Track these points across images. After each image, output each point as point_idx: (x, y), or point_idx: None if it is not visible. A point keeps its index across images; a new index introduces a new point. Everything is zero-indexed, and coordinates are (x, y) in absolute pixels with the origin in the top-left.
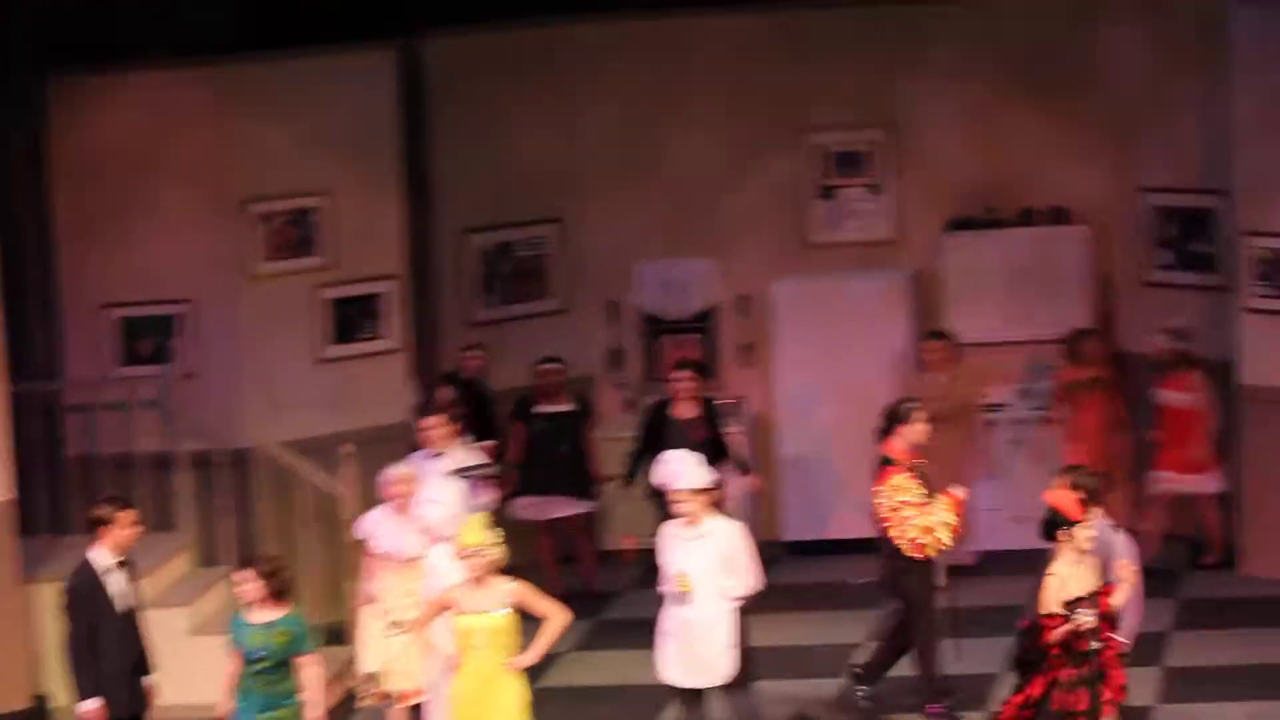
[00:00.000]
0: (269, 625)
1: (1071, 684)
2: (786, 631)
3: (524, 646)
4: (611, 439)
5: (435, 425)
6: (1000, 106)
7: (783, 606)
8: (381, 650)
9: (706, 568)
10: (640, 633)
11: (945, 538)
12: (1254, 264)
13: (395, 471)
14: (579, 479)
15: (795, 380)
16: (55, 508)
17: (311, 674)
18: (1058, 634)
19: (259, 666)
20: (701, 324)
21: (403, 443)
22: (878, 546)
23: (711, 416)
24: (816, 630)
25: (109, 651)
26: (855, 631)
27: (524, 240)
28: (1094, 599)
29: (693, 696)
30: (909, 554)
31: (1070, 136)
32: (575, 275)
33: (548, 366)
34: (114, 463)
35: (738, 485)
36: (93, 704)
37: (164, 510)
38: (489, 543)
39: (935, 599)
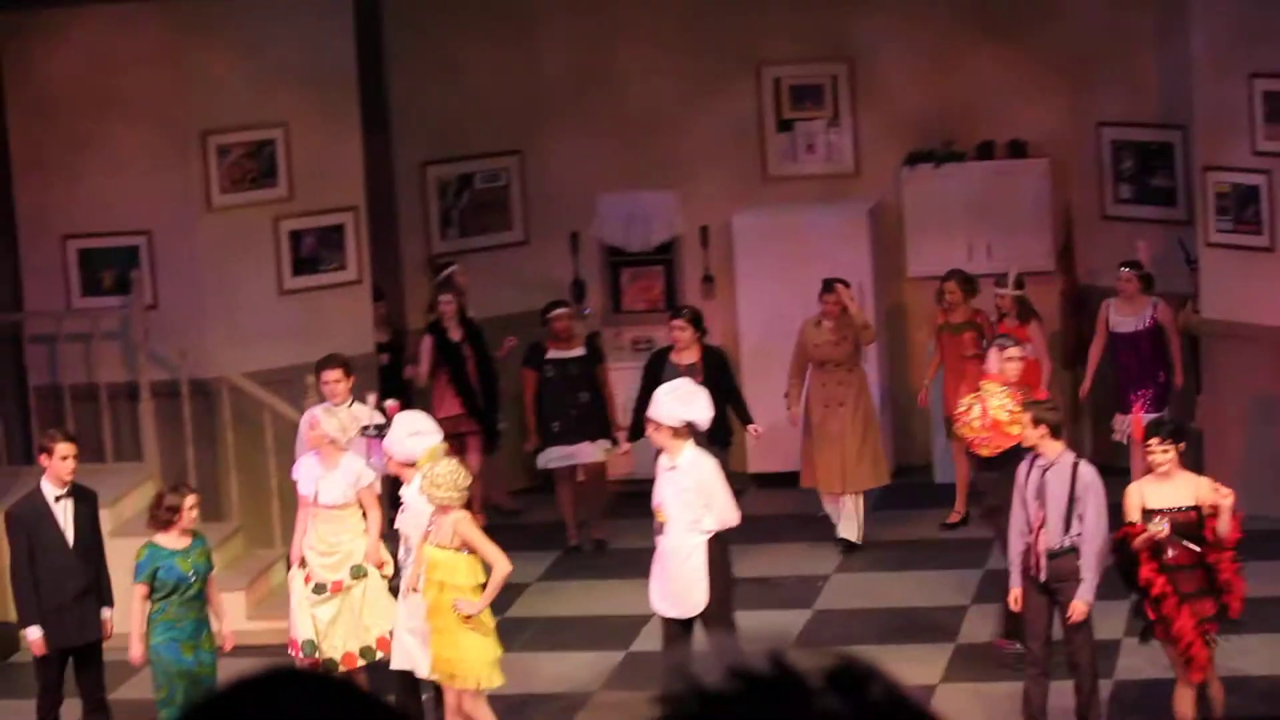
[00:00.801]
0: (188, 549)
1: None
2: (755, 563)
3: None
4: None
5: (335, 380)
6: (959, 40)
7: (751, 538)
8: (308, 620)
9: (680, 500)
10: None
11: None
12: (1213, 198)
13: (312, 412)
14: (600, 424)
15: (756, 311)
16: (21, 439)
17: (217, 590)
18: (1137, 541)
19: (191, 593)
20: (663, 256)
21: (366, 374)
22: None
23: (713, 363)
24: (785, 562)
25: (54, 580)
26: (824, 564)
27: (484, 172)
28: (1174, 513)
29: (677, 626)
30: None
31: (1029, 70)
32: (536, 208)
33: (558, 311)
34: (77, 394)
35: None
36: (33, 632)
37: (129, 441)
38: (440, 478)
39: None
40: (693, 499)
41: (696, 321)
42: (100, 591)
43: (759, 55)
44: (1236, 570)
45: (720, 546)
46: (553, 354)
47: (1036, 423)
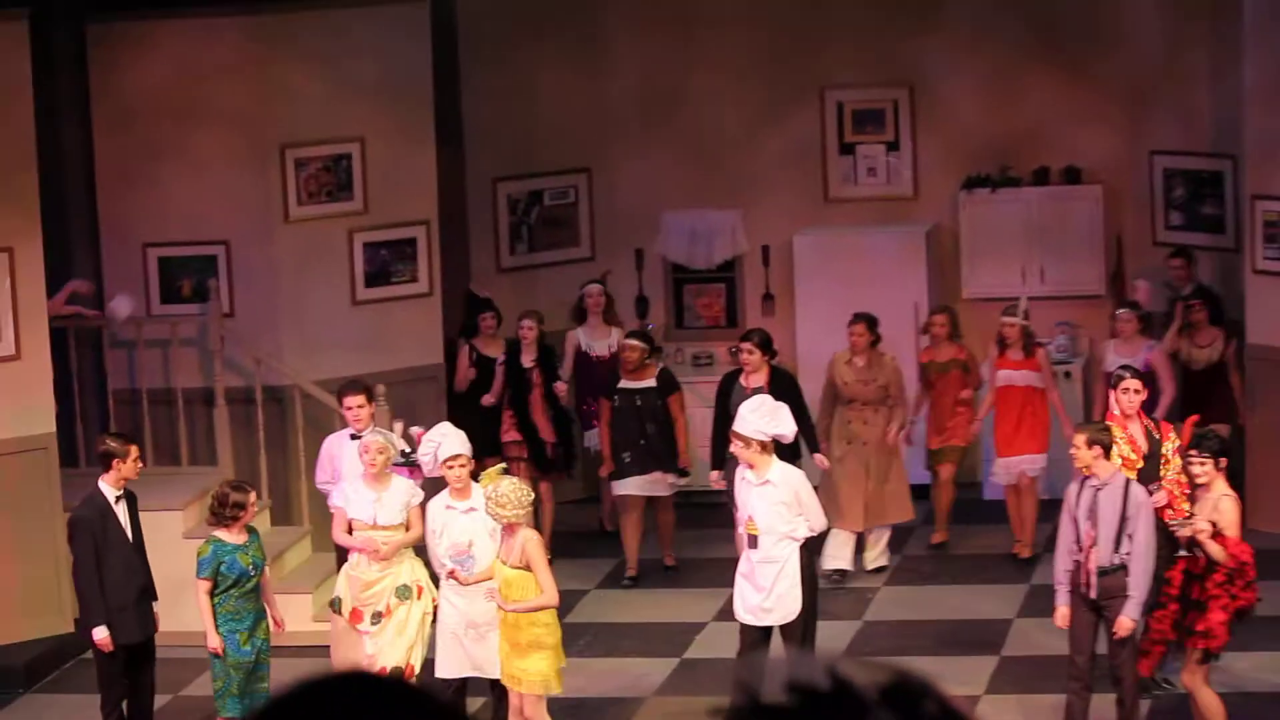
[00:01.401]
0: (247, 544)
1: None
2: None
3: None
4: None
5: (359, 405)
6: (1017, 68)
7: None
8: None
9: (774, 512)
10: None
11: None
12: (1261, 226)
13: (373, 440)
14: (667, 457)
15: (815, 329)
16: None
17: (268, 582)
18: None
19: (250, 585)
20: (725, 274)
21: (434, 383)
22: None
23: (782, 386)
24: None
25: (119, 579)
26: (873, 578)
27: (553, 189)
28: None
29: (757, 635)
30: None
31: (1085, 99)
32: (602, 224)
33: (628, 342)
34: (155, 398)
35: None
36: (100, 632)
37: (204, 445)
38: (504, 497)
39: None
40: (786, 511)
41: (765, 345)
42: (151, 589)
43: (822, 80)
44: (1221, 597)
45: (808, 555)
46: (623, 384)
47: (1091, 444)
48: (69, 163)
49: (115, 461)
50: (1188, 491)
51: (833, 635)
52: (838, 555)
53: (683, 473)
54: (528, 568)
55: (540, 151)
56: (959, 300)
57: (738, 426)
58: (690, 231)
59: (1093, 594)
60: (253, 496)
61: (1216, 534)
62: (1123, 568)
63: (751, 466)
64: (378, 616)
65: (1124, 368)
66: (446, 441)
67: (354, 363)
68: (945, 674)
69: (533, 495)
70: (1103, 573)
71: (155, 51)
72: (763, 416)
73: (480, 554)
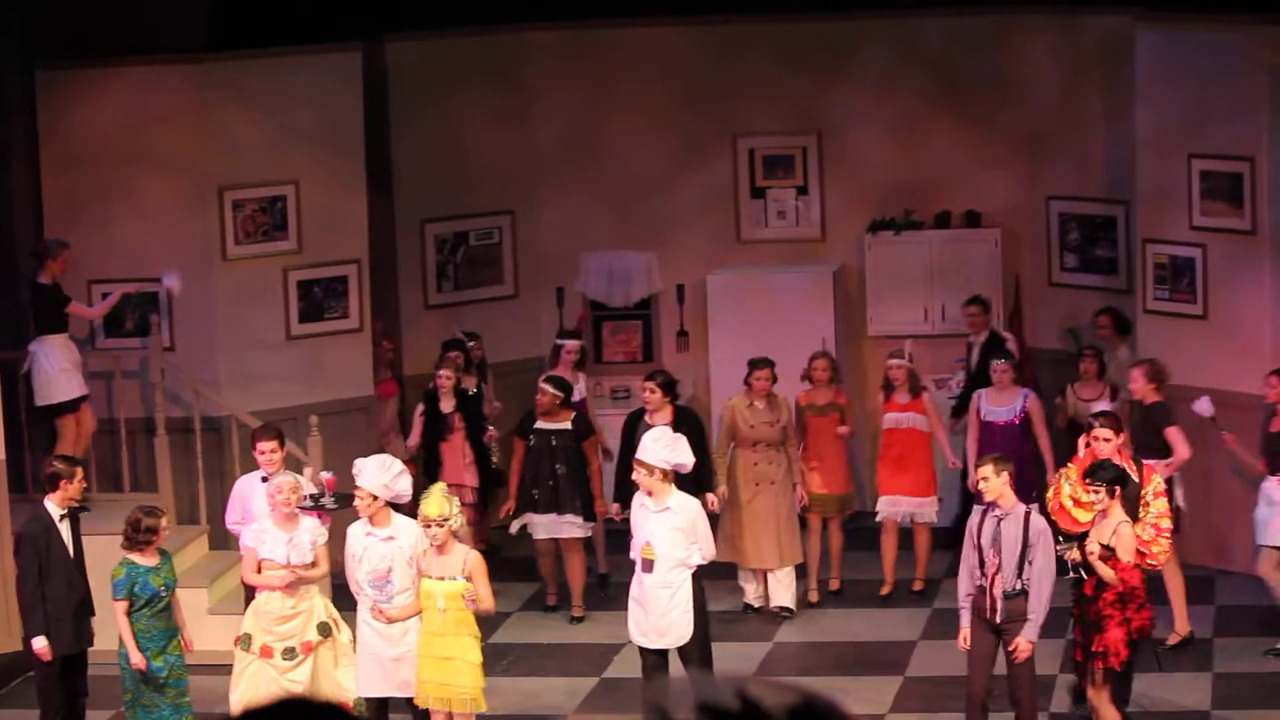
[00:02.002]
0: (159, 566)
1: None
2: (721, 599)
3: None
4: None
5: (272, 450)
6: (921, 117)
7: (718, 575)
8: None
9: (670, 538)
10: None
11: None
12: (1152, 268)
13: (285, 480)
14: (573, 500)
15: (728, 364)
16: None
17: (178, 602)
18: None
19: (161, 605)
20: (642, 311)
21: (364, 415)
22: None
23: (686, 425)
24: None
25: (58, 593)
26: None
27: (478, 230)
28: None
29: (656, 659)
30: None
31: (984, 146)
32: (525, 263)
33: (543, 386)
34: (100, 427)
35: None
36: (39, 642)
37: (146, 473)
38: (449, 514)
39: None
40: (682, 537)
41: (667, 386)
42: (89, 603)
43: (735, 128)
44: (1114, 616)
45: (699, 583)
46: (539, 424)
47: (999, 473)
48: (18, 201)
49: (62, 482)
50: (1168, 534)
51: (743, 656)
52: (780, 595)
53: (592, 517)
54: (468, 578)
55: (466, 194)
56: (864, 337)
57: (641, 455)
58: (609, 271)
59: (997, 618)
60: (164, 521)
61: (1109, 557)
62: (1024, 593)
63: (651, 494)
64: (290, 652)
65: (1096, 415)
66: (364, 474)
67: (288, 395)
68: (851, 694)
69: (439, 513)
70: (1006, 597)
71: (102, 97)
72: (665, 446)
73: (398, 579)
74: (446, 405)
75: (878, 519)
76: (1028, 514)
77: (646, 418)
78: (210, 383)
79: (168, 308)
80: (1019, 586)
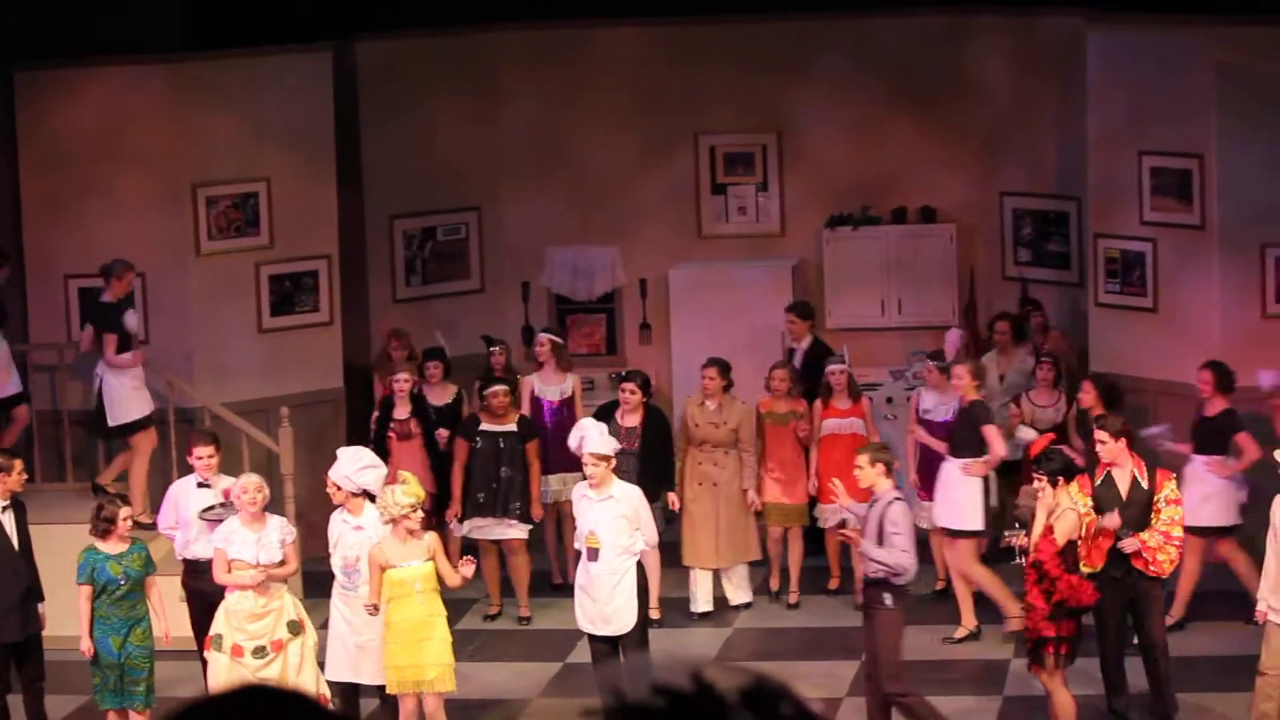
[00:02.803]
0: (122, 555)
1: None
2: (682, 584)
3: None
4: None
5: (209, 455)
6: (878, 115)
7: (674, 561)
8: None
9: (615, 526)
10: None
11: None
12: (1103, 263)
13: (250, 480)
14: (518, 503)
15: (689, 357)
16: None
17: (156, 593)
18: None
19: (120, 593)
20: (605, 305)
21: (333, 406)
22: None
23: (655, 426)
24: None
25: (3, 584)
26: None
27: (446, 226)
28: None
29: (604, 645)
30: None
31: (940, 143)
32: (491, 259)
33: (495, 389)
34: (75, 419)
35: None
36: None
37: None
38: (417, 502)
39: None
40: (626, 525)
41: (645, 387)
42: (36, 590)
43: (697, 126)
44: (1033, 590)
45: (641, 569)
46: (485, 426)
47: (874, 463)
48: None
49: (1, 475)
50: (1178, 543)
51: (702, 643)
52: (701, 598)
53: (529, 520)
54: (432, 558)
55: (434, 191)
56: (823, 330)
57: (595, 448)
58: (573, 266)
59: (859, 600)
60: (124, 512)
61: (1047, 534)
62: (884, 581)
63: (599, 484)
64: (260, 650)
65: (1096, 418)
66: (336, 463)
67: (259, 387)
68: (810, 678)
69: (420, 497)
70: (867, 582)
71: (79, 97)
72: (608, 436)
73: (365, 569)
74: (402, 410)
75: (821, 524)
76: (890, 503)
77: (618, 416)
78: (184, 375)
79: (143, 302)
80: (881, 574)
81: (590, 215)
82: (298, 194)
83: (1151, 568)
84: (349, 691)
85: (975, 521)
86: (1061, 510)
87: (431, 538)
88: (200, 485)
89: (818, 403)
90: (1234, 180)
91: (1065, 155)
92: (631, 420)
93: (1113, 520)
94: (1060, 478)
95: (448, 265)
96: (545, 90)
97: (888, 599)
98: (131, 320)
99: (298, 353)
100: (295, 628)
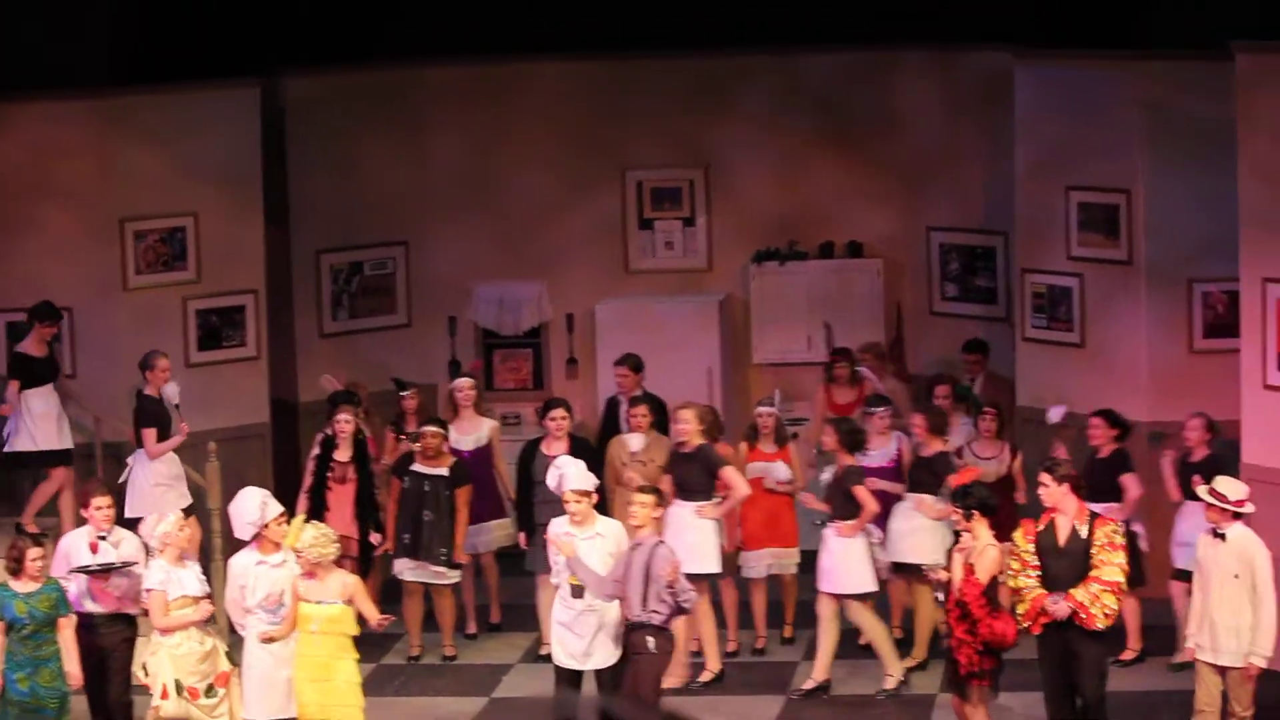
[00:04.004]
0: (31, 594)
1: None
2: None
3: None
4: None
5: (108, 505)
6: (804, 150)
7: None
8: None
9: (604, 564)
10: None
11: None
12: (1030, 298)
13: (178, 518)
14: (441, 550)
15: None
16: None
17: (68, 635)
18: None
19: (25, 632)
20: (532, 340)
21: (260, 440)
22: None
23: (582, 455)
24: None
25: None
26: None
27: (372, 260)
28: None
29: (571, 678)
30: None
31: (867, 179)
32: (418, 293)
33: (428, 429)
34: None
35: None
36: None
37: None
38: (311, 544)
39: None
40: (613, 561)
41: (570, 412)
42: None
43: (624, 161)
44: (957, 629)
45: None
46: (416, 466)
47: (644, 505)
48: None
49: None
50: (1116, 592)
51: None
52: None
53: (452, 565)
54: (348, 602)
55: (361, 226)
56: (749, 365)
57: (575, 484)
58: (500, 300)
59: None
60: (33, 552)
61: (969, 574)
62: (648, 624)
63: (581, 521)
64: (211, 689)
65: (1043, 461)
66: (271, 503)
67: (187, 421)
68: (738, 712)
69: (335, 535)
70: (630, 627)
71: (7, 132)
72: (583, 469)
73: (290, 603)
74: (344, 454)
75: (744, 574)
76: (655, 546)
77: (544, 446)
78: (111, 409)
79: (70, 336)
80: (644, 619)
81: (517, 250)
82: (225, 229)
83: (1089, 620)
84: None
85: (867, 581)
86: (982, 547)
87: (352, 582)
88: (101, 538)
89: (743, 444)
90: (1161, 216)
91: (992, 190)
92: (557, 449)
93: (1061, 610)
94: (975, 512)
95: (374, 300)
96: (472, 126)
97: (650, 642)
98: (172, 392)
99: (225, 387)
100: (232, 657)
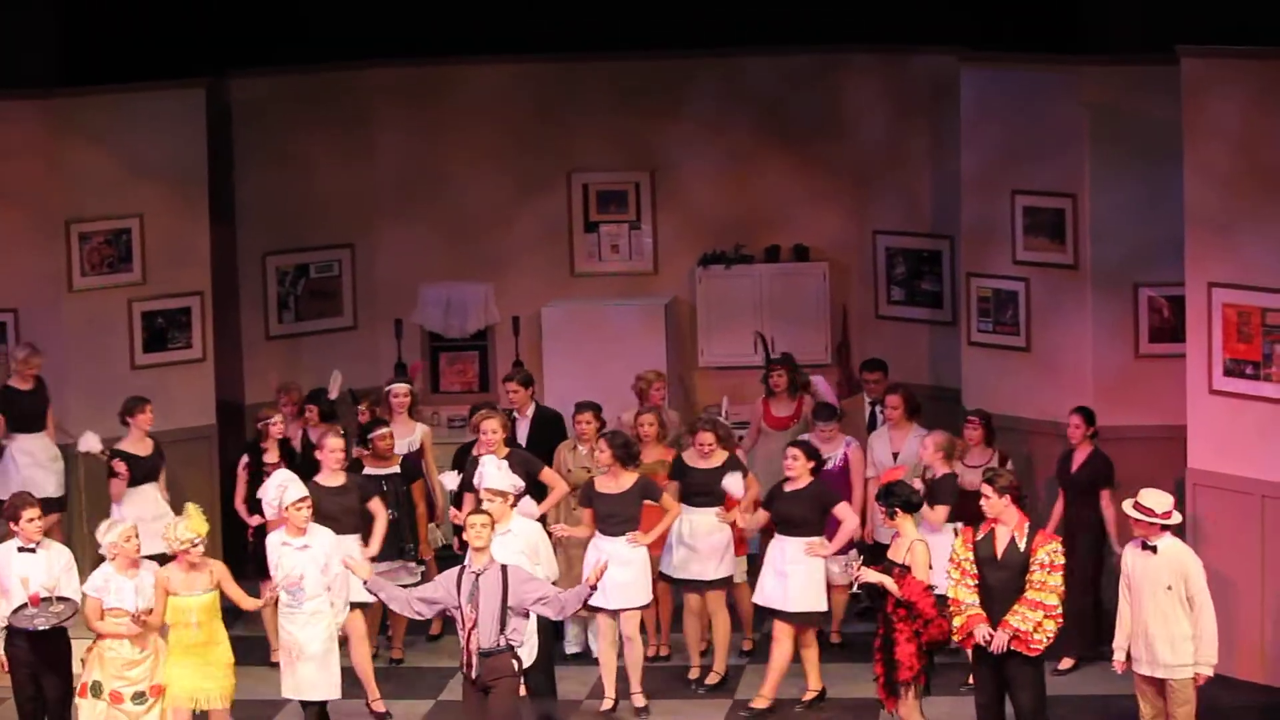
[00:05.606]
0: None
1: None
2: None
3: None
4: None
5: (39, 518)
6: (751, 154)
7: None
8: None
9: (516, 561)
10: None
11: None
12: (976, 301)
13: (127, 527)
14: (412, 544)
15: (562, 395)
16: None
17: None
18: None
19: None
20: (478, 342)
21: (206, 443)
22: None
23: (519, 463)
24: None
25: None
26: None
27: (319, 263)
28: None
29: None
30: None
31: (813, 182)
32: (365, 295)
33: (379, 432)
34: None
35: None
36: None
37: None
38: (198, 537)
39: None
40: (526, 561)
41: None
42: None
43: (569, 164)
44: (904, 630)
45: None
46: (368, 470)
47: (487, 524)
48: None
49: None
50: (1057, 617)
51: (568, 688)
52: (573, 638)
53: (419, 561)
54: (215, 589)
55: (307, 228)
56: (695, 368)
57: (493, 484)
58: (446, 302)
59: (473, 674)
60: None
61: (904, 574)
62: (507, 649)
63: (496, 521)
64: (140, 696)
65: (985, 471)
66: (292, 487)
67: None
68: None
69: (202, 532)
70: (485, 654)
71: None
72: (506, 472)
73: (310, 586)
74: (272, 456)
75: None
76: (504, 570)
77: (476, 450)
78: (56, 412)
79: (14, 338)
80: (502, 644)
81: (463, 252)
82: (171, 230)
83: (1031, 646)
84: (320, 712)
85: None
86: (909, 543)
87: (219, 568)
88: (22, 550)
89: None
90: (1106, 220)
91: (938, 194)
92: (499, 453)
93: (998, 642)
94: (898, 510)
95: (321, 302)
96: (418, 127)
97: (516, 664)
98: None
99: (170, 390)
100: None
